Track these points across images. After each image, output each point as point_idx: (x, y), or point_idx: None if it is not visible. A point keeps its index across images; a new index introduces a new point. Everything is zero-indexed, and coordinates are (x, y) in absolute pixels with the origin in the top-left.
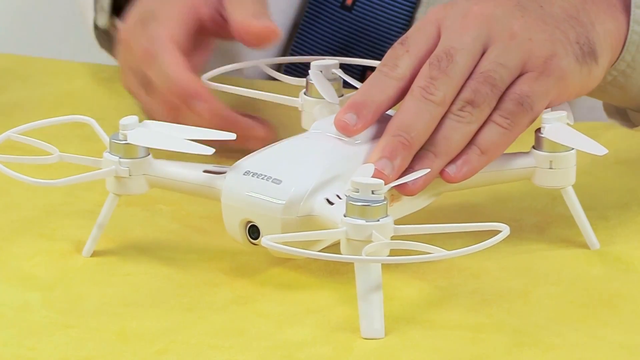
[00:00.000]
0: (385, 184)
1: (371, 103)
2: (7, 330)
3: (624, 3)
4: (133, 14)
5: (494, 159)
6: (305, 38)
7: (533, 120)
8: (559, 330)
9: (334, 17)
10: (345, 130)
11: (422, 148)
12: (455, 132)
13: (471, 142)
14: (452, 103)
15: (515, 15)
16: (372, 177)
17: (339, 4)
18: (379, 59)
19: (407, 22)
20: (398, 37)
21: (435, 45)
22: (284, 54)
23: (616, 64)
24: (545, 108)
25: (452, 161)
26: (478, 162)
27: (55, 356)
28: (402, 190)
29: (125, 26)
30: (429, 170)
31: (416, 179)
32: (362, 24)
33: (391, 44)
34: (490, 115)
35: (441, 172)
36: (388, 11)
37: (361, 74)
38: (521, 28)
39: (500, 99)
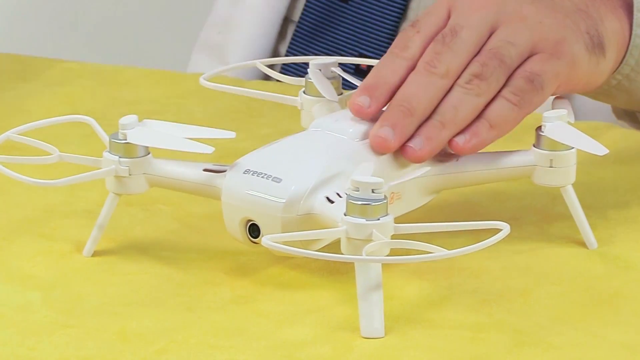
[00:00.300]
0: (389, 150)
1: (383, 84)
2: (7, 330)
3: (627, 7)
4: None
5: (502, 135)
6: (304, 31)
7: (542, 102)
8: (560, 330)
9: (332, 9)
10: (360, 112)
11: (429, 118)
12: (463, 104)
13: (480, 116)
14: (460, 77)
15: (526, 1)
16: (375, 145)
17: None
18: (375, 50)
19: (401, 12)
20: (393, 27)
21: (445, 26)
22: (276, 48)
23: (620, 68)
24: (553, 94)
25: (461, 132)
26: (487, 135)
27: (55, 356)
28: (409, 154)
29: None
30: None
31: (423, 144)
32: (358, 14)
33: (386, 35)
34: (500, 91)
35: (450, 143)
36: (383, 1)
37: (356, 67)
38: (531, 12)
39: (510, 77)
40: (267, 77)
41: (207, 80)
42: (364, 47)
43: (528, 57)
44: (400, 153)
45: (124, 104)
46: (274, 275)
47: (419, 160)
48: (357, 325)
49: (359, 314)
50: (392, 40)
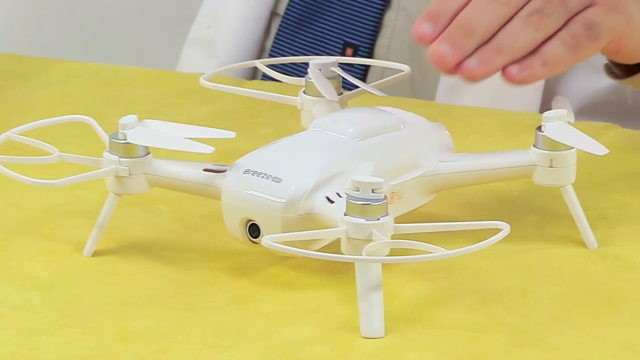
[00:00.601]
0: (446, 67)
1: (446, 11)
2: (7, 330)
3: None
4: None
5: (554, 74)
6: (289, 23)
7: (595, 52)
8: (559, 330)
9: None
10: (423, 39)
11: (487, 42)
12: (521, 34)
13: (535, 51)
14: (521, 10)
15: None
16: (433, 61)
17: None
18: (360, 38)
19: (386, 0)
20: (378, 15)
21: None
22: (263, 43)
23: None
24: (605, 52)
25: (515, 63)
26: (539, 71)
27: (55, 356)
28: (464, 72)
29: None
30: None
31: (479, 65)
32: (344, 3)
33: (371, 23)
34: (557, 32)
35: (503, 71)
36: None
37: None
38: None
39: (568, 22)
40: (255, 76)
41: (207, 80)
42: (349, 36)
43: (587, 7)
44: (456, 71)
45: (123, 104)
46: (274, 275)
47: (473, 80)
48: (357, 325)
49: (359, 314)
50: (378, 28)
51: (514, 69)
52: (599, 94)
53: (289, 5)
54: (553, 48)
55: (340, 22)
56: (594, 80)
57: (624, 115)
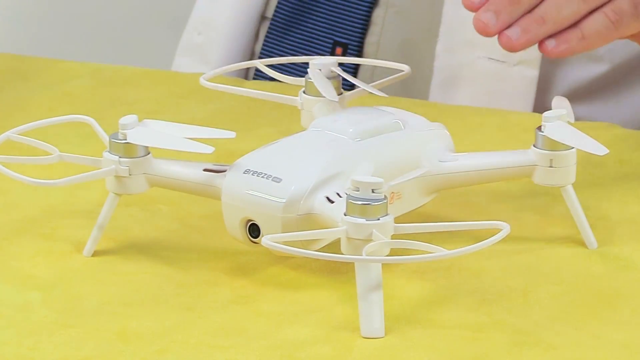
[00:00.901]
0: (488, 35)
1: None
2: (7, 330)
3: None
4: None
5: (592, 48)
6: (278, 24)
7: (637, 30)
8: (559, 330)
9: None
10: (471, 7)
11: (530, 12)
12: (566, 5)
13: (576, 24)
14: None
15: None
16: (477, 29)
17: None
18: (349, 37)
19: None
20: (366, 13)
21: None
22: (253, 46)
23: None
24: None
25: (552, 36)
26: (577, 44)
27: (55, 356)
28: (504, 42)
29: None
30: None
31: (519, 35)
32: (332, 2)
33: (360, 21)
34: (602, 6)
35: (540, 44)
36: None
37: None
38: None
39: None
40: (246, 78)
41: (207, 80)
42: (338, 35)
43: None
44: (498, 40)
45: (123, 104)
46: (274, 275)
47: (512, 50)
48: (357, 325)
49: (359, 314)
50: (367, 26)
51: (550, 44)
52: (592, 82)
53: (277, 7)
54: (594, 22)
55: (329, 21)
56: (588, 69)
57: (614, 104)
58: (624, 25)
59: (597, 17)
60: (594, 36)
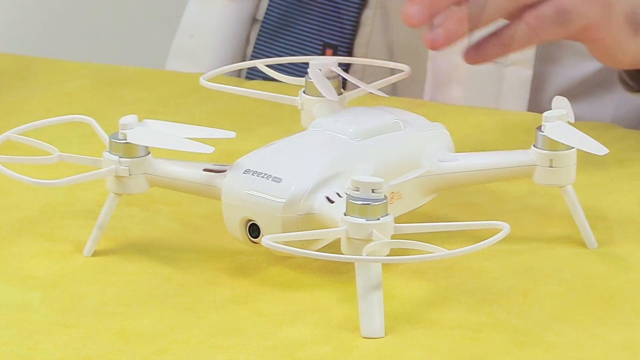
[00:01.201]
0: (412, 26)
1: None
2: (7, 330)
3: None
4: None
5: (512, 53)
6: (269, 27)
7: (560, 36)
8: (559, 329)
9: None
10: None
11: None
12: (494, 3)
13: (497, 33)
14: None
15: None
16: (403, 20)
17: None
18: (339, 38)
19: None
20: (356, 15)
21: None
22: (245, 47)
23: None
24: (581, 37)
25: (473, 44)
26: (495, 51)
27: (55, 356)
28: (428, 42)
29: None
30: None
31: (438, 31)
32: (322, 3)
33: (350, 23)
34: (525, 10)
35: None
36: None
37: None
38: None
39: (541, 3)
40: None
41: (207, 80)
42: (328, 36)
43: None
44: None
45: (123, 104)
46: (274, 275)
47: (434, 49)
48: (357, 325)
49: (359, 314)
50: (356, 27)
51: (470, 52)
52: (585, 80)
53: (267, 10)
54: (512, 31)
55: (319, 23)
56: (583, 66)
57: (608, 102)
58: (544, 31)
59: (517, 26)
60: (511, 44)
